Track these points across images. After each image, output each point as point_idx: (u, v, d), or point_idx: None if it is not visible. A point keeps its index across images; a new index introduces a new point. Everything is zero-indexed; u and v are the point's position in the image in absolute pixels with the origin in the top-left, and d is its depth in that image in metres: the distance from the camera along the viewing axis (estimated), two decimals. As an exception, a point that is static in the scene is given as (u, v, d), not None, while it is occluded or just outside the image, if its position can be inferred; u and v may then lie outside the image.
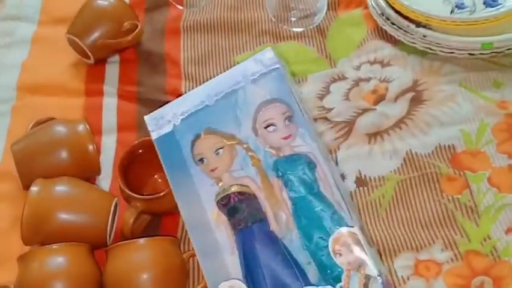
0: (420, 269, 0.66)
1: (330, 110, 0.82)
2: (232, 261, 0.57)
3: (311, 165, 0.58)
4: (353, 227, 0.54)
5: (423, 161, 0.74)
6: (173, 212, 0.73)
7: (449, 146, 0.75)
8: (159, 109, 0.64)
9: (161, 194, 0.67)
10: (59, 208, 0.66)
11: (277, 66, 0.61)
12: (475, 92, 0.81)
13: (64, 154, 0.72)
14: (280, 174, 0.58)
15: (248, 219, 0.57)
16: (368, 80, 0.84)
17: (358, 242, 0.53)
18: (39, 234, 0.65)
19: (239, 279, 0.56)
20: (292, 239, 0.56)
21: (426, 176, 0.73)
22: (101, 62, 0.89)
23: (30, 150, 0.72)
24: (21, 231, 0.65)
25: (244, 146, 0.59)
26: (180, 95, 0.69)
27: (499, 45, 0.81)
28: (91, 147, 0.73)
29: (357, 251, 0.53)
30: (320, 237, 0.55)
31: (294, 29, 0.91)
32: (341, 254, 0.53)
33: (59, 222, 0.66)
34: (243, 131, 0.60)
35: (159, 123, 0.63)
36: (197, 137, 0.60)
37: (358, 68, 0.86)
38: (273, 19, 0.92)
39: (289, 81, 0.61)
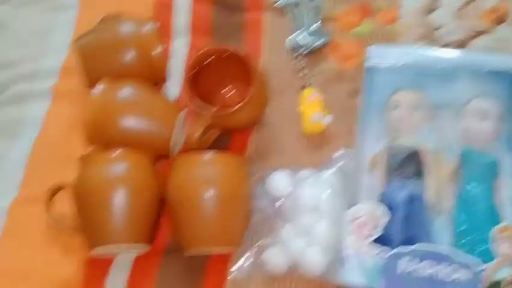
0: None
1: (436, 28, 0.69)
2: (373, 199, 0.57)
3: (495, 171, 0.57)
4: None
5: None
6: (243, 129, 0.66)
7: None
8: (387, 46, 0.65)
9: (234, 109, 0.59)
10: (126, 112, 0.60)
11: None
12: None
13: (128, 54, 0.64)
14: (461, 162, 0.57)
15: (410, 173, 0.57)
16: (488, -4, 0.70)
17: None
18: (102, 135, 0.60)
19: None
20: (435, 222, 0.56)
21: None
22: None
23: (94, 47, 0.66)
24: (85, 130, 0.60)
25: (436, 120, 0.59)
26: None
27: None
28: (157, 49, 0.65)
29: None
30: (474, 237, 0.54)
31: None
32: (503, 243, 0.54)
33: (124, 126, 0.60)
34: (444, 106, 0.59)
35: (380, 55, 0.63)
36: (404, 87, 0.61)
37: (477, -19, 0.72)
38: None
39: None
